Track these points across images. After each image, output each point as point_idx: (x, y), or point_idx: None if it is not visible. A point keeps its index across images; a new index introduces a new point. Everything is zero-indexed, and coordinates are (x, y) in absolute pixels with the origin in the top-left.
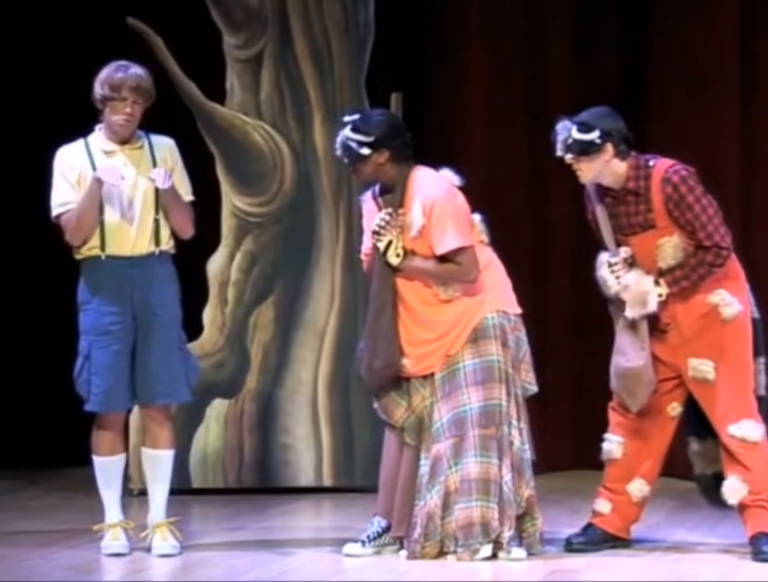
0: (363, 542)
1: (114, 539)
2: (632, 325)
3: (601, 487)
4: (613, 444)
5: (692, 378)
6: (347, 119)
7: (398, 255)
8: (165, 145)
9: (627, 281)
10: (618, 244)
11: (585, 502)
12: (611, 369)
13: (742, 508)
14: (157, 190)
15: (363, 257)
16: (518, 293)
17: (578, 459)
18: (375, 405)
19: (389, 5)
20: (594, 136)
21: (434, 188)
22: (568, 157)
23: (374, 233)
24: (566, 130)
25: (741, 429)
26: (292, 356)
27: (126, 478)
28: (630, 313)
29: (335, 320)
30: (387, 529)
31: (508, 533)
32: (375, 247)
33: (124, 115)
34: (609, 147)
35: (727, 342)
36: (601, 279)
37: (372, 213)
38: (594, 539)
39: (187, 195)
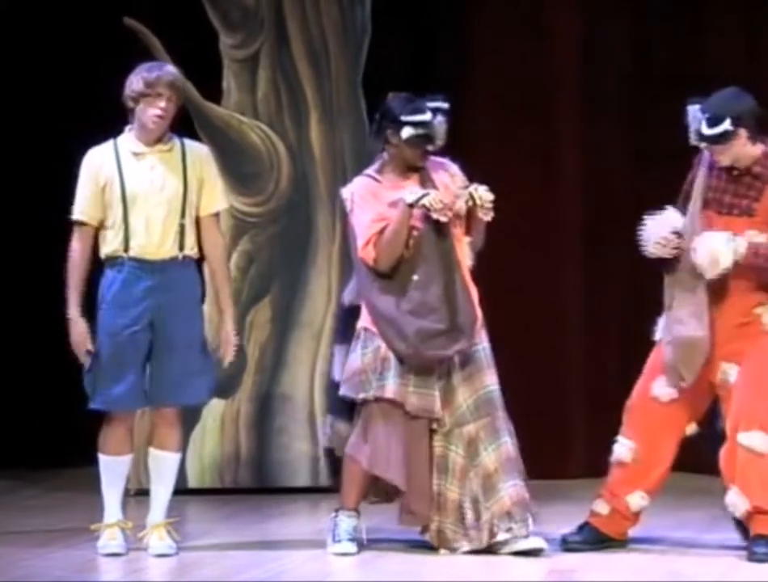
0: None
1: (111, 539)
2: (694, 298)
3: (603, 490)
4: (624, 448)
5: (719, 381)
6: (442, 105)
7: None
8: (198, 152)
9: (696, 243)
10: (703, 218)
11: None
12: (667, 340)
13: (746, 515)
14: (185, 195)
15: (363, 249)
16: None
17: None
18: (410, 408)
19: (385, 4)
20: (726, 126)
21: (449, 162)
22: (703, 145)
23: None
24: (696, 121)
25: (750, 438)
26: (289, 356)
27: None
28: (709, 274)
29: (332, 320)
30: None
31: (535, 508)
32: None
33: (159, 109)
34: (743, 131)
35: (759, 351)
36: (646, 235)
37: (375, 193)
38: (590, 539)
39: (221, 203)
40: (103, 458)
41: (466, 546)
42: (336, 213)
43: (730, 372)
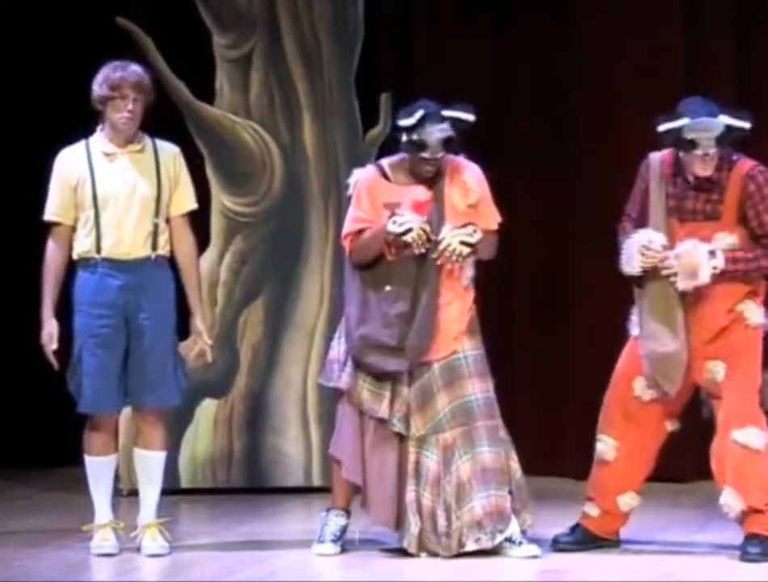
0: (333, 541)
1: (104, 539)
2: (665, 310)
3: (590, 492)
4: (607, 446)
5: (706, 380)
6: (461, 115)
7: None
8: (170, 153)
9: (680, 251)
10: (668, 227)
11: (575, 504)
12: (644, 355)
13: (740, 515)
14: (158, 195)
15: (343, 240)
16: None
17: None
18: (355, 401)
19: (378, 4)
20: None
21: (474, 166)
22: (712, 151)
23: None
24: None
25: (746, 435)
26: (281, 356)
27: (116, 478)
28: (681, 284)
29: (325, 320)
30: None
31: (530, 519)
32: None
33: (127, 112)
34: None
35: (744, 347)
36: (627, 254)
37: (376, 189)
38: (581, 539)
39: (190, 204)
40: (88, 460)
41: (437, 554)
42: (330, 213)
43: (716, 369)
